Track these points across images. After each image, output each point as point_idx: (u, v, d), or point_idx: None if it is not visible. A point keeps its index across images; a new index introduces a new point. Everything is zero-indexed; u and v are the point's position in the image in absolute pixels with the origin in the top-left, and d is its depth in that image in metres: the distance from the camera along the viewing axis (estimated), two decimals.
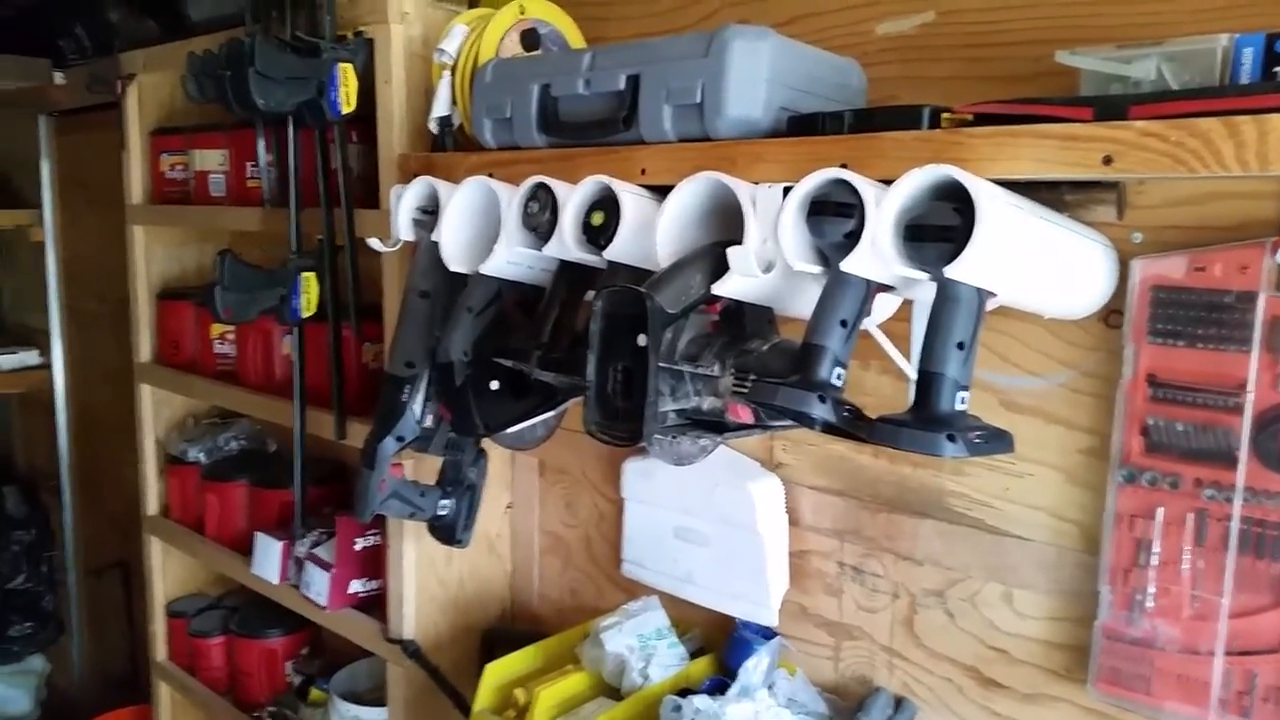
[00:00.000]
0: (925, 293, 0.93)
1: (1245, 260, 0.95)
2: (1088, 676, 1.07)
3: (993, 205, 0.84)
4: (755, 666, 1.22)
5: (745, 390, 1.01)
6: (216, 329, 1.98)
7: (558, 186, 1.16)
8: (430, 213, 1.34)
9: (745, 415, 1.01)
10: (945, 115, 0.95)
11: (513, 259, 1.24)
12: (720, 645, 1.38)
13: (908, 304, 1.13)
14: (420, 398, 1.34)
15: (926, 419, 0.87)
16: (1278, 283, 0.94)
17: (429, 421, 1.36)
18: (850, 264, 0.91)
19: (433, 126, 1.41)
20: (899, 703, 1.25)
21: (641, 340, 0.95)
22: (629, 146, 1.16)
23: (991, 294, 0.91)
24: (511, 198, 1.21)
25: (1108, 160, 0.82)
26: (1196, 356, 0.98)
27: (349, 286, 1.57)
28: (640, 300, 0.96)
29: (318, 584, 1.71)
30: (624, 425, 0.97)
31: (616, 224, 1.09)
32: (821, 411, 0.89)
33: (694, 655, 1.38)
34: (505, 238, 1.21)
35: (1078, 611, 1.11)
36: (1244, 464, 0.95)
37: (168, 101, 2.09)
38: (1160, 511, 1.01)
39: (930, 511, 1.23)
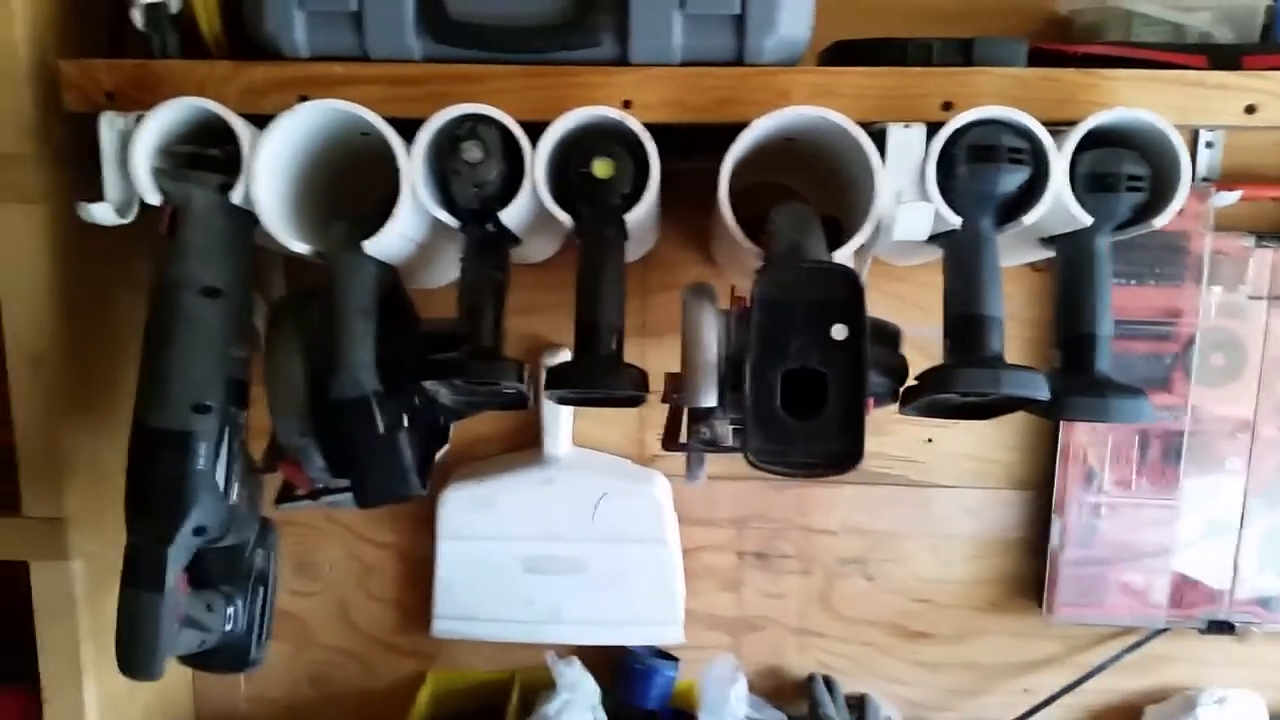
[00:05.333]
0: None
1: None
2: (1043, 605, 1.12)
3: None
4: (736, 697, 1.03)
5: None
6: None
7: (508, 121, 0.79)
8: (190, 159, 0.82)
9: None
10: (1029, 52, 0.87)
11: (409, 231, 0.82)
12: (610, 683, 1.13)
13: None
14: (224, 461, 0.83)
15: (1100, 385, 0.81)
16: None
17: (233, 497, 0.85)
18: (1030, 218, 0.79)
19: (136, 17, 0.85)
20: (828, 683, 1.17)
21: (839, 332, 0.70)
22: (596, 68, 0.84)
23: None
24: (419, 136, 0.79)
25: (1250, 109, 0.83)
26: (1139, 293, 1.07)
27: None
28: (826, 280, 0.71)
29: None
30: (823, 448, 0.71)
31: (644, 178, 0.79)
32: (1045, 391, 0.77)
33: None
34: (411, 199, 0.79)
35: (1002, 546, 1.15)
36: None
37: None
38: (1110, 438, 1.09)
39: (847, 479, 1.15)
